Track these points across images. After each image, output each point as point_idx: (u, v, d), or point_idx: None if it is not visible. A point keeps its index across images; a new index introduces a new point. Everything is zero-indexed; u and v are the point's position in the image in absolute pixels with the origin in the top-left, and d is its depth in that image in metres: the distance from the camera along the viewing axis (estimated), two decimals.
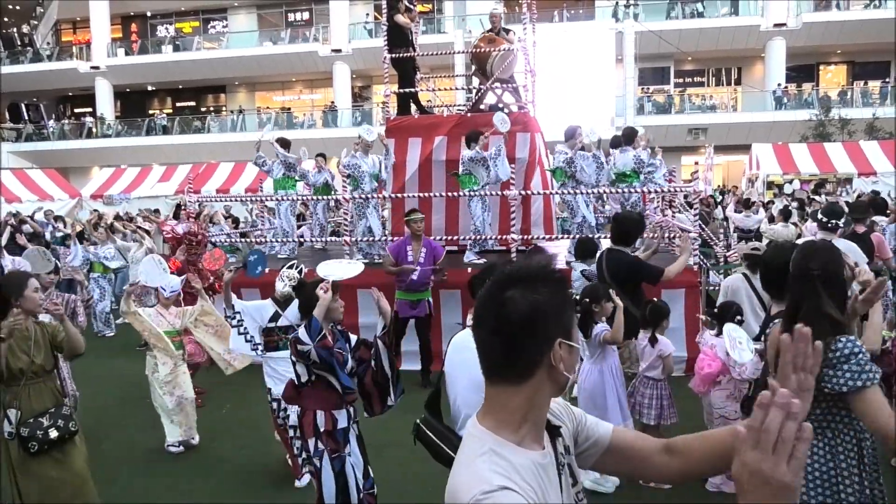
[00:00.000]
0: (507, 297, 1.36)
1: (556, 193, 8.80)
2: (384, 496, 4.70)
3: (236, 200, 15.50)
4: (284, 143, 9.99)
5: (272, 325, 4.88)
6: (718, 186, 23.42)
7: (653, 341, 4.75)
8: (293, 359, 3.57)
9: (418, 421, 2.91)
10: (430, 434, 2.86)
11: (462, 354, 2.96)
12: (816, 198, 15.70)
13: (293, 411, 3.75)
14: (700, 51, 27.81)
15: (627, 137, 8.77)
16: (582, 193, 8.21)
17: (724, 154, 26.78)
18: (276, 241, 9.95)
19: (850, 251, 5.83)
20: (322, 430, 3.56)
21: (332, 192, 10.12)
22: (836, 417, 2.54)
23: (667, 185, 8.78)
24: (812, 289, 2.52)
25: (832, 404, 2.53)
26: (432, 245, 7.13)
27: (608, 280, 5.03)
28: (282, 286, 4.91)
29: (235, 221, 14.76)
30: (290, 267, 5.09)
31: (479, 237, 8.32)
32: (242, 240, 11.36)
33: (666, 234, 8.58)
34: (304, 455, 3.72)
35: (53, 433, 3.83)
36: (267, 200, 11.55)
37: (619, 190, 8.41)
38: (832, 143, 21.51)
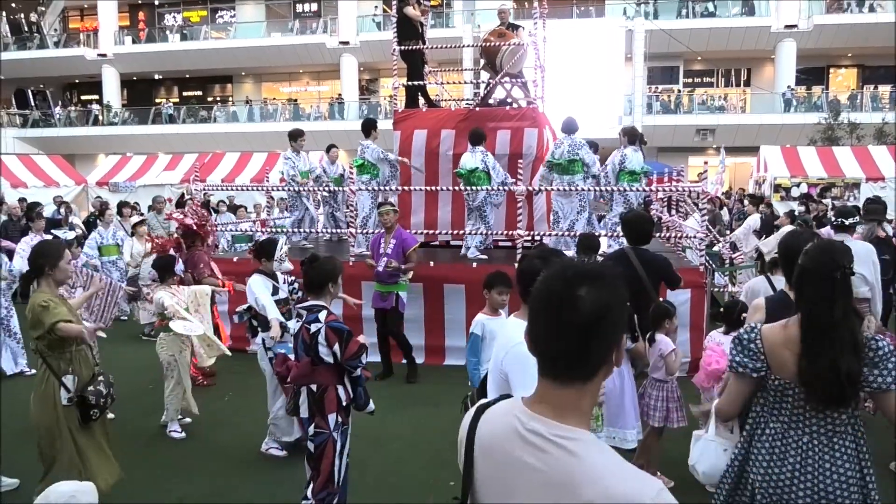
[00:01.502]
0: (581, 296, 1.33)
1: (564, 190, 8.73)
2: (383, 489, 4.69)
3: (250, 189, 15.45)
4: (295, 135, 9.78)
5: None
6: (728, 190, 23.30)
7: (650, 341, 4.70)
8: (324, 341, 3.62)
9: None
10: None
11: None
12: (823, 200, 15.61)
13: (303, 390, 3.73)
14: (710, 51, 27.70)
15: (632, 136, 8.71)
16: (594, 190, 8.16)
17: (732, 156, 26.66)
18: (298, 231, 9.77)
19: (866, 253, 5.74)
20: (344, 403, 3.71)
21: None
22: (853, 419, 2.55)
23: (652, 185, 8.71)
24: (845, 287, 2.50)
25: (855, 405, 2.54)
26: (403, 237, 7.13)
27: (646, 278, 4.93)
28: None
29: (234, 209, 14.70)
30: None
31: (484, 233, 8.27)
32: (257, 229, 11.19)
33: (673, 235, 8.53)
34: (311, 431, 3.71)
35: (110, 401, 3.95)
36: (276, 191, 11.49)
37: (634, 189, 8.33)
38: (841, 146, 21.40)
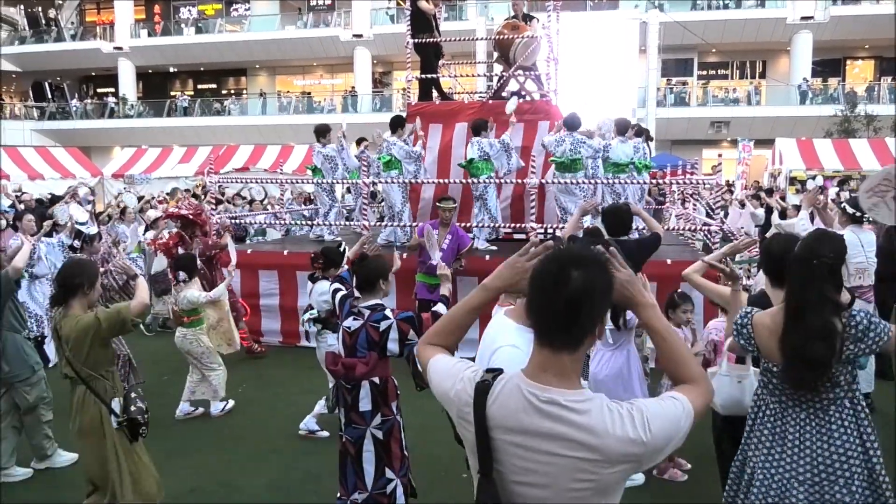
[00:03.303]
0: (573, 276, 1.59)
1: (575, 183, 8.74)
2: None
3: (265, 182, 15.54)
4: (321, 131, 9.73)
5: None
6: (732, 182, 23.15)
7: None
8: (397, 335, 3.67)
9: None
10: None
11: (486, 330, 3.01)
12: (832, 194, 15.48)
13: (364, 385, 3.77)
14: (724, 42, 27.46)
15: (621, 127, 8.71)
16: (604, 183, 8.17)
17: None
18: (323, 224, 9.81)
19: (869, 244, 5.88)
20: (398, 393, 3.84)
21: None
22: (850, 393, 2.66)
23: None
24: (819, 274, 2.62)
25: (852, 381, 2.65)
26: (459, 234, 7.08)
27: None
28: None
29: (250, 202, 14.79)
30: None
31: (494, 224, 8.30)
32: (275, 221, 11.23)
33: (687, 227, 8.54)
34: (377, 421, 3.77)
35: (148, 416, 3.78)
36: (305, 184, 11.56)
37: (639, 181, 8.35)
38: (858, 139, 21.20)
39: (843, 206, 6.18)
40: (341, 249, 5.56)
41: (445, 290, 3.97)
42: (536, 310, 1.65)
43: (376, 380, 3.76)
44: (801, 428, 2.64)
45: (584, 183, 8.07)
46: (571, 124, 8.25)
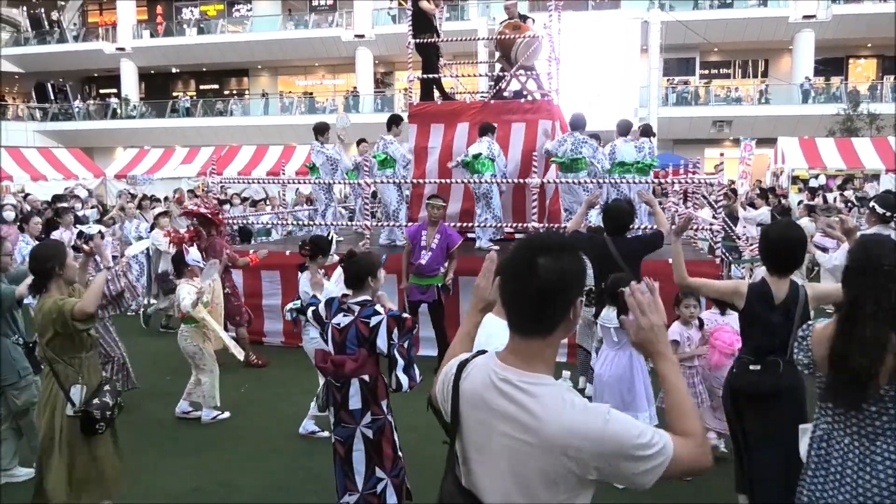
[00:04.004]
0: (540, 264, 1.57)
1: (578, 182, 8.74)
2: None
3: (267, 182, 15.57)
4: (321, 129, 9.75)
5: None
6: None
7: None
8: (386, 331, 3.67)
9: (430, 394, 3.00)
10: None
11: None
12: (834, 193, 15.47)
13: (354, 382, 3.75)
14: (727, 42, 27.42)
15: (622, 128, 8.74)
16: (608, 183, 8.16)
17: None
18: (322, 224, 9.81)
19: None
20: (392, 388, 3.79)
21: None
22: None
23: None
24: (881, 284, 2.42)
25: None
26: (448, 232, 7.06)
27: (623, 266, 5.01)
28: None
29: (253, 203, 14.81)
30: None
31: (496, 224, 8.30)
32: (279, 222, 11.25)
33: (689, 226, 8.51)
34: (367, 420, 3.76)
35: (116, 412, 3.76)
36: (303, 184, 11.56)
37: (640, 181, 8.33)
38: (860, 138, 21.15)
39: (871, 205, 5.95)
40: (330, 239, 5.55)
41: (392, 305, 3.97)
42: (507, 299, 1.65)
43: (366, 377, 3.74)
44: (843, 455, 2.47)
45: (587, 182, 8.08)
46: (574, 124, 8.26)
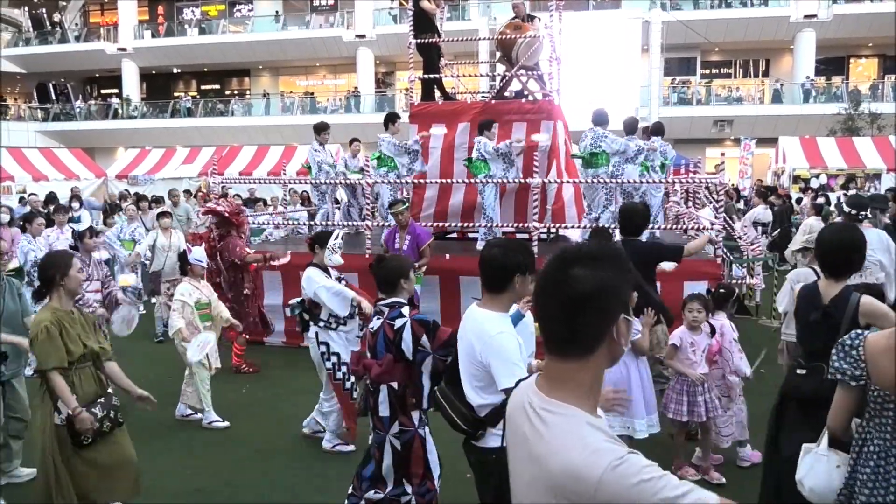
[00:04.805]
0: (573, 275, 1.41)
1: (580, 182, 8.74)
2: None
3: (268, 182, 15.58)
4: (321, 128, 9.74)
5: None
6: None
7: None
8: (410, 335, 3.57)
9: (436, 388, 3.00)
10: (444, 402, 3.05)
11: (463, 325, 2.98)
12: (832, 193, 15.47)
13: (384, 387, 3.68)
14: (727, 41, 27.41)
15: (629, 126, 8.73)
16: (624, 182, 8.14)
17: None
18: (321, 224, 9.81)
19: (880, 241, 5.81)
20: (424, 405, 3.69)
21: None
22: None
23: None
24: None
25: None
26: (416, 231, 7.15)
27: (636, 271, 4.97)
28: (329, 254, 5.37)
29: (253, 202, 14.81)
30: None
31: (492, 225, 8.29)
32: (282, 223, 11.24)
33: (689, 226, 8.52)
34: (395, 429, 3.67)
35: (107, 425, 3.74)
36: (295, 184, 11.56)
37: (644, 181, 8.32)
38: (861, 137, 21.14)
39: (841, 205, 6.09)
40: (335, 237, 5.59)
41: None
42: (540, 315, 1.50)
43: (394, 385, 3.65)
44: None
45: (602, 181, 8.05)
46: (596, 120, 8.23)
